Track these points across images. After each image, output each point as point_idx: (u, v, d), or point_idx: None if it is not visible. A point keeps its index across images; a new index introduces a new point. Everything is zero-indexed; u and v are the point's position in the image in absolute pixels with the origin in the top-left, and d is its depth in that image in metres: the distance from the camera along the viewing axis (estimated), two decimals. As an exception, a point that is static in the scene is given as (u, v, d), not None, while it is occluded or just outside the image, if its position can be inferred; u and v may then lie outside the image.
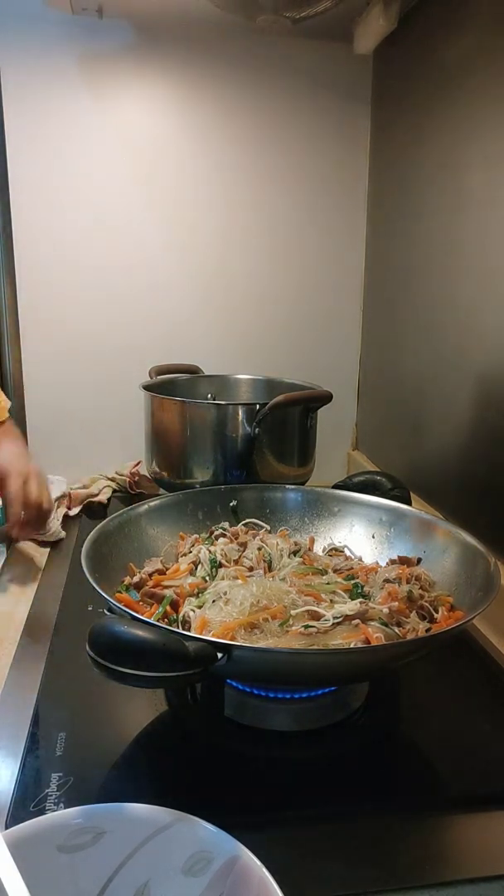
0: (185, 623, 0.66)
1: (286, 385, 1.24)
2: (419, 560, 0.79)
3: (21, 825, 0.44)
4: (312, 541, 0.88)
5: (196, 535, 0.85)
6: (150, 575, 0.75)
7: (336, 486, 0.94)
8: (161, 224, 1.32)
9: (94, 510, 1.24)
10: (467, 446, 0.99)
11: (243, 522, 0.89)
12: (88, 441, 1.37)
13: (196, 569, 0.77)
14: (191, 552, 0.80)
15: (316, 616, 0.65)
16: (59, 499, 1.20)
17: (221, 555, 0.78)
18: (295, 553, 0.82)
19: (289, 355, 1.40)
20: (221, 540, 0.83)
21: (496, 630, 0.84)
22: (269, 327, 1.40)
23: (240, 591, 0.68)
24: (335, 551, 0.86)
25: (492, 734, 0.66)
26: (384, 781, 0.61)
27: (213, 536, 0.85)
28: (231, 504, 0.92)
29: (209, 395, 1.28)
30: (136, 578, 0.74)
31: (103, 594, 0.62)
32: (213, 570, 0.76)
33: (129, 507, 0.84)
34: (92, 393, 1.36)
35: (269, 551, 0.80)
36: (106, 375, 1.36)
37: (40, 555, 1.07)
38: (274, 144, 1.32)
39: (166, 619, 0.68)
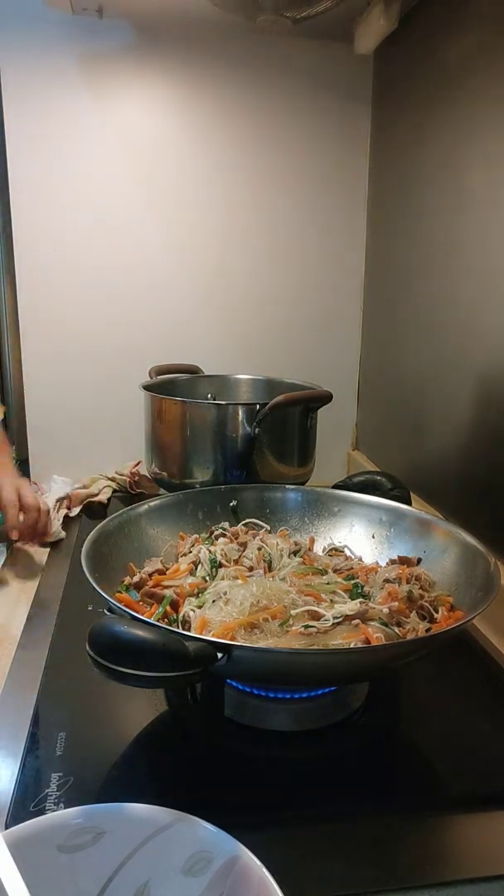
0: (185, 623, 0.66)
1: (286, 385, 1.25)
2: (419, 560, 0.79)
3: (21, 825, 0.44)
4: (312, 541, 0.88)
5: (196, 535, 0.85)
6: (150, 575, 0.75)
7: (336, 486, 0.94)
8: (161, 224, 1.32)
9: (94, 510, 1.24)
10: (467, 446, 0.99)
11: (243, 522, 0.89)
12: (88, 441, 1.37)
13: (196, 569, 0.77)
14: (191, 552, 0.80)
15: (316, 616, 0.65)
16: (62, 500, 1.20)
17: (221, 555, 0.78)
18: (295, 553, 0.82)
19: (289, 355, 1.40)
20: (221, 540, 0.83)
21: (496, 630, 0.84)
22: (269, 327, 1.40)
23: (240, 591, 0.68)
24: (335, 551, 0.86)
25: (492, 734, 0.66)
26: (384, 781, 0.61)
27: (213, 536, 0.85)
28: (231, 504, 0.92)
29: (209, 395, 1.28)
30: (136, 578, 0.74)
31: (103, 594, 0.62)
32: (213, 570, 0.76)
33: (129, 507, 0.84)
34: (92, 393, 1.36)
35: (269, 551, 0.80)
36: (106, 375, 1.36)
37: (40, 555, 1.07)
38: (274, 144, 1.32)
39: (166, 619, 0.68)
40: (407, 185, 1.18)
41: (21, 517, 1.02)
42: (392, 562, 0.80)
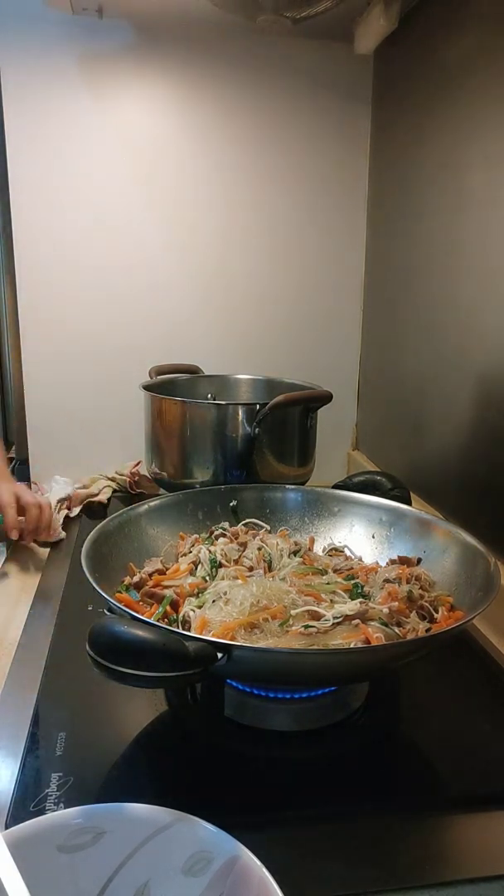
0: (185, 623, 0.66)
1: (286, 385, 1.25)
2: (419, 560, 0.79)
3: (21, 825, 0.44)
4: (312, 541, 0.88)
5: (196, 535, 0.85)
6: (150, 575, 0.75)
7: (336, 486, 0.94)
8: (161, 224, 1.32)
9: (94, 510, 1.24)
10: (467, 446, 0.99)
11: (243, 522, 0.89)
12: (88, 441, 1.37)
13: (196, 569, 0.77)
14: (191, 552, 0.80)
15: (316, 616, 0.65)
16: (63, 500, 1.20)
17: (221, 555, 0.78)
18: (295, 553, 0.82)
19: (289, 355, 1.40)
20: (221, 540, 0.83)
21: (496, 630, 0.83)
22: (269, 327, 1.40)
23: (240, 591, 0.68)
24: (335, 551, 0.86)
25: (492, 734, 0.66)
26: (384, 781, 0.61)
27: (213, 536, 0.85)
28: (231, 504, 0.92)
29: (209, 395, 1.28)
30: (136, 578, 0.74)
31: (103, 594, 0.62)
32: (213, 570, 0.76)
33: (129, 507, 0.84)
34: (92, 393, 1.36)
35: (269, 551, 0.80)
36: (106, 375, 1.36)
37: (40, 555, 1.07)
38: (274, 144, 1.32)
39: (166, 619, 0.68)
40: (407, 185, 1.18)
41: (23, 518, 1.02)
42: (392, 562, 0.80)
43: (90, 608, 0.84)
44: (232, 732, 0.64)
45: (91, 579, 0.63)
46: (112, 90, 1.25)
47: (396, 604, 0.67)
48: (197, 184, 1.32)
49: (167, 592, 0.71)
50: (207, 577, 0.75)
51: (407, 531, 0.84)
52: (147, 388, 1.15)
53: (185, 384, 1.28)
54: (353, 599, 0.69)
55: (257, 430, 1.04)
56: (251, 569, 0.77)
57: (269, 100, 1.30)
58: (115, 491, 1.32)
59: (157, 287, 1.34)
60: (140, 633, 0.50)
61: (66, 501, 1.21)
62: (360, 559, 0.84)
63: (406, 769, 0.63)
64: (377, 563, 0.82)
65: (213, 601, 0.68)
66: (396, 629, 0.65)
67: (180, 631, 0.58)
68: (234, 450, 1.06)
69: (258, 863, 0.41)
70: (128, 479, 1.31)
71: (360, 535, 0.88)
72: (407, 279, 1.20)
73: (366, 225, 1.38)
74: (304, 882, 0.48)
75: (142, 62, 1.25)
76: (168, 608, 0.69)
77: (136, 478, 1.32)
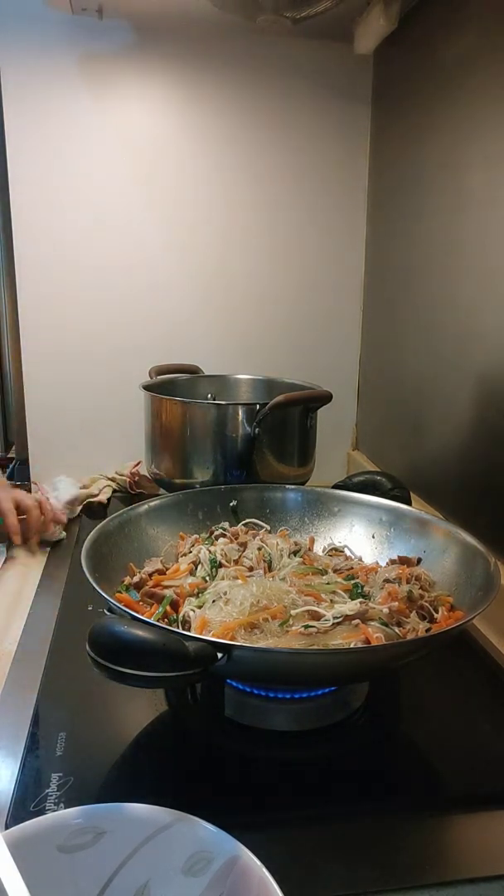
0: (185, 623, 0.66)
1: (286, 385, 1.24)
2: (419, 560, 0.79)
3: (21, 825, 0.44)
4: (312, 541, 0.88)
5: (196, 535, 0.85)
6: (150, 575, 0.75)
7: (336, 486, 0.94)
8: (161, 224, 1.32)
9: (94, 510, 1.24)
10: (467, 446, 0.99)
11: (243, 522, 0.89)
12: (88, 441, 1.37)
13: (196, 569, 0.77)
14: (191, 552, 0.80)
15: (316, 616, 0.65)
16: (71, 502, 1.19)
17: (221, 555, 0.78)
18: (295, 553, 0.82)
19: (289, 355, 1.40)
20: (221, 540, 0.83)
21: (496, 630, 0.83)
22: (269, 327, 1.40)
23: (240, 591, 0.68)
24: (335, 551, 0.86)
25: (492, 734, 0.66)
26: (384, 781, 0.61)
27: (213, 536, 0.85)
28: (231, 504, 0.92)
29: (209, 395, 1.28)
30: (136, 578, 0.74)
31: (103, 594, 0.62)
32: (213, 570, 0.76)
33: (129, 507, 0.84)
34: (92, 393, 1.36)
35: (269, 551, 0.80)
36: (106, 375, 1.35)
37: (40, 555, 1.07)
38: (274, 144, 1.32)
39: (166, 619, 0.68)
40: (407, 184, 1.18)
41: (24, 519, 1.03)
42: (392, 562, 0.80)
43: (90, 608, 0.84)
44: (232, 732, 0.64)
45: (91, 579, 0.63)
46: (112, 90, 1.25)
47: (396, 604, 0.67)
48: (197, 184, 1.32)
49: (167, 592, 0.71)
50: (207, 577, 0.75)
51: (407, 531, 0.84)
52: (147, 388, 1.15)
53: (185, 384, 1.28)
54: (353, 599, 0.69)
55: (257, 430, 1.04)
56: (251, 569, 0.77)
57: (269, 100, 1.30)
58: (115, 491, 1.32)
59: (157, 287, 1.34)
60: (140, 633, 0.50)
61: (74, 502, 1.21)
62: (360, 559, 0.84)
63: (406, 769, 0.63)
64: (377, 563, 0.82)
65: (213, 601, 0.68)
66: (396, 629, 0.65)
67: (180, 631, 0.58)
68: (234, 450, 1.06)
69: (258, 863, 0.41)
70: (128, 479, 1.31)
71: (360, 535, 0.88)
72: (407, 279, 1.20)
73: (366, 225, 1.38)
74: (304, 882, 0.48)
75: (142, 62, 1.25)
76: (168, 608, 0.69)
77: (136, 478, 1.31)
